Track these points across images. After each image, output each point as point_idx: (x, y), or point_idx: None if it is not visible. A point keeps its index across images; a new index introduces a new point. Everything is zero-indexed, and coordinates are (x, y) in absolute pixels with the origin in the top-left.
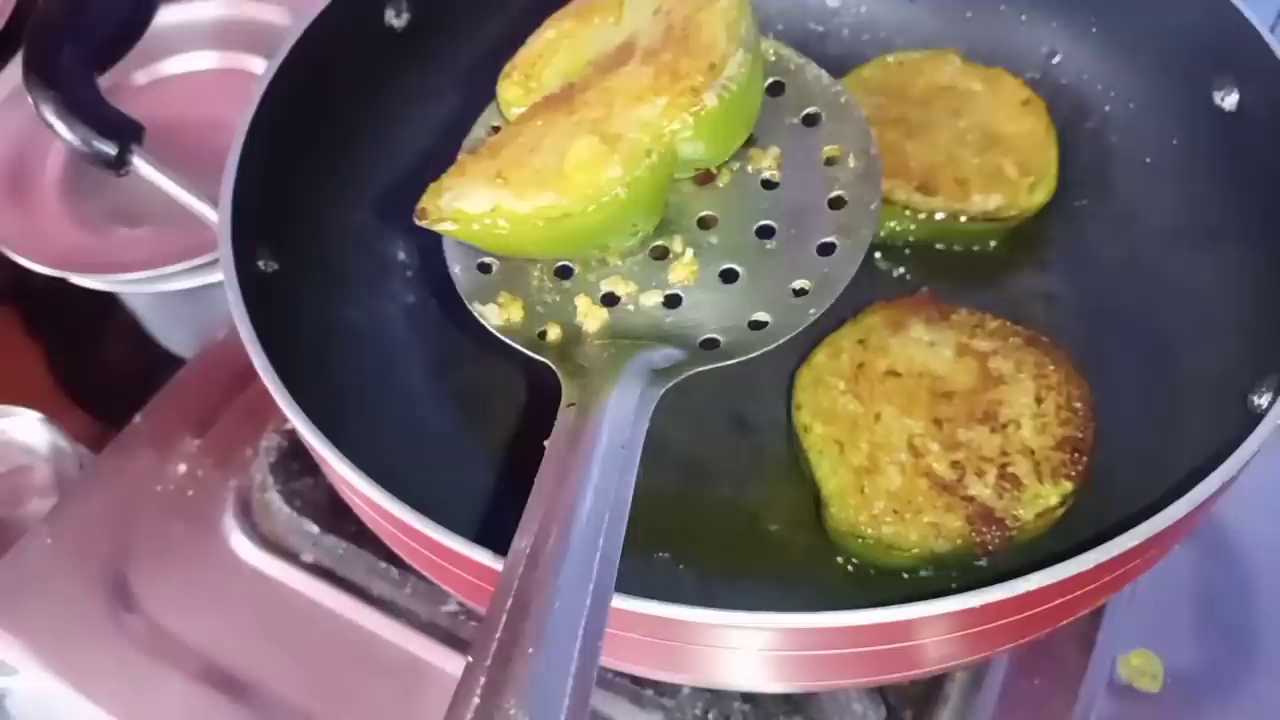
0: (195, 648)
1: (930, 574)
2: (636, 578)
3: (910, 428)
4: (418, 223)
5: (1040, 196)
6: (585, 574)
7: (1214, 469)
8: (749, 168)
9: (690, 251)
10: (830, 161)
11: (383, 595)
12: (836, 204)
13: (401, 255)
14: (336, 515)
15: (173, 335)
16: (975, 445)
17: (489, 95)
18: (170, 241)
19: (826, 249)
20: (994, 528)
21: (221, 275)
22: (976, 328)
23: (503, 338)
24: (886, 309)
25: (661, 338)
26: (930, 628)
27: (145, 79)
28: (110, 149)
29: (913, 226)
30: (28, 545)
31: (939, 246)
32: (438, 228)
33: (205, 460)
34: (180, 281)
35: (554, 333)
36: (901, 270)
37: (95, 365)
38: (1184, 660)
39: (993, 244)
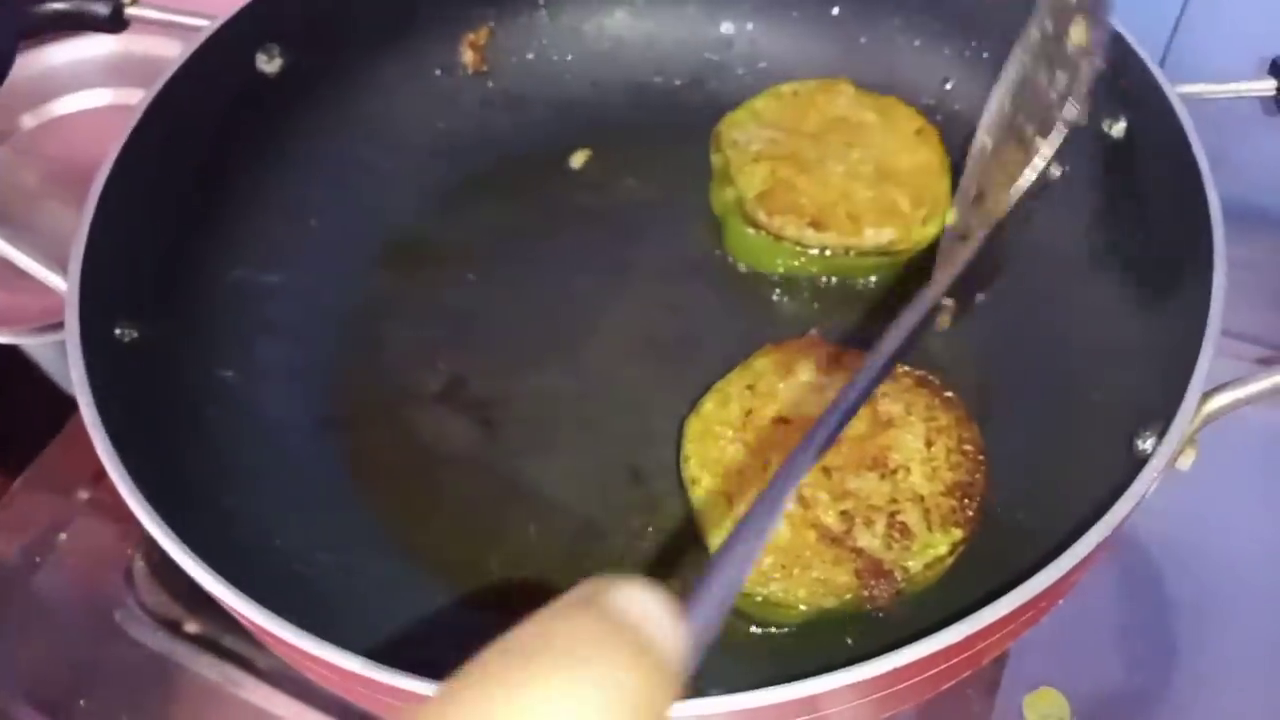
0: None
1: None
2: None
3: None
4: None
5: (933, 229)
6: None
7: (1100, 517)
8: None
9: None
10: None
11: (270, 667)
12: None
13: (278, 312)
14: None
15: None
16: (864, 494)
17: (366, 135)
18: None
19: None
20: (882, 581)
21: None
22: None
23: None
24: (775, 352)
25: None
26: (814, 702)
27: (34, 121)
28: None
29: (804, 262)
30: None
31: (835, 281)
32: None
33: (92, 524)
34: None
35: None
36: (796, 306)
37: None
38: (1093, 695)
39: (889, 276)
